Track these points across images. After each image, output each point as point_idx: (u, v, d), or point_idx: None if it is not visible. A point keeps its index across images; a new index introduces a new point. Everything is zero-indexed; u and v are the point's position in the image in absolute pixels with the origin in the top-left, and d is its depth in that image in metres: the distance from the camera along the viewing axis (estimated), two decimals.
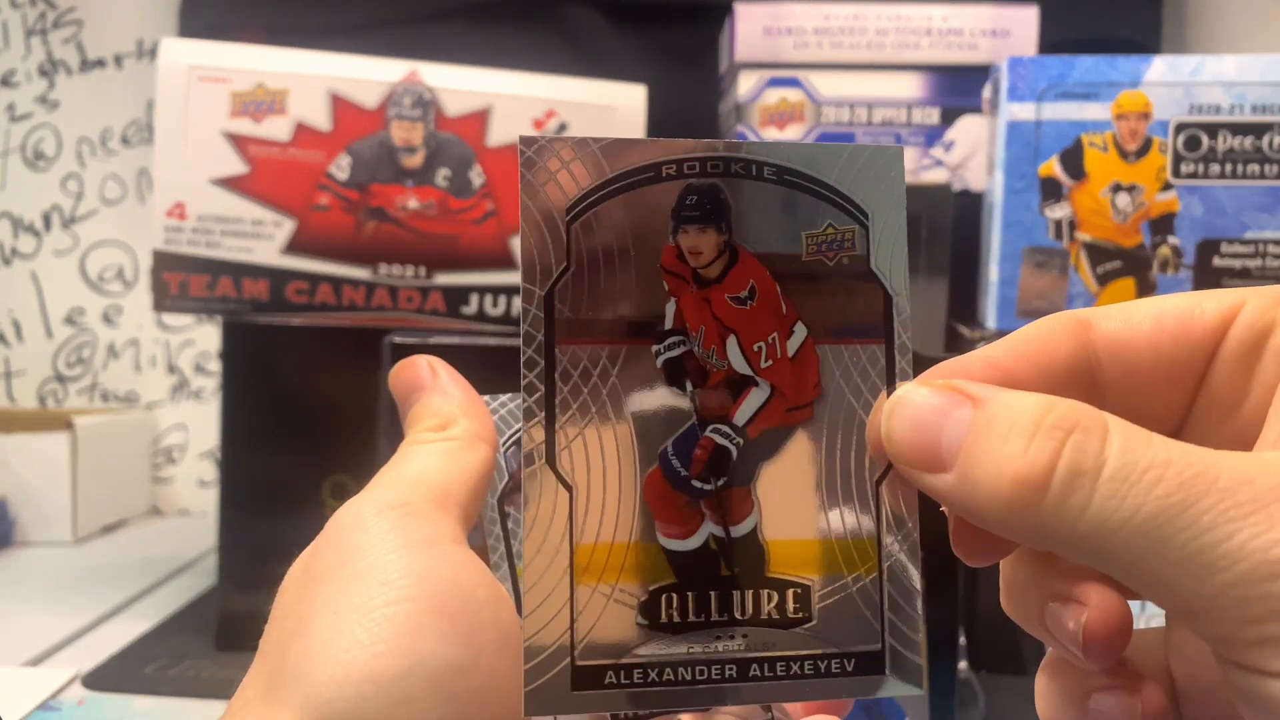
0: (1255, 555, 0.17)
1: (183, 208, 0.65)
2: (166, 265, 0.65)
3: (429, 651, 0.24)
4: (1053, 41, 0.77)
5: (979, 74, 0.69)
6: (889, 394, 0.23)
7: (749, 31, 0.77)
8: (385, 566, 0.25)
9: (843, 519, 0.24)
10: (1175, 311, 0.23)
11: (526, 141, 0.24)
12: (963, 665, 0.57)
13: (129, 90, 1.04)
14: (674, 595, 0.23)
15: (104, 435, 0.94)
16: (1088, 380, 0.23)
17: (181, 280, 0.65)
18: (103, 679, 0.58)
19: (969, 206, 0.67)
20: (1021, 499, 0.19)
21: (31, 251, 1.04)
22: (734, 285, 0.24)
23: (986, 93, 0.66)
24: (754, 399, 0.24)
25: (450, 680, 0.24)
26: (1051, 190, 0.61)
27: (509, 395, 0.31)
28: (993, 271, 0.62)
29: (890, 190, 0.24)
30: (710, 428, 0.24)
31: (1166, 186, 0.61)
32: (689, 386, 0.24)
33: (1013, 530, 0.20)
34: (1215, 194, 0.61)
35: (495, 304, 0.68)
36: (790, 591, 0.23)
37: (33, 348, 1.04)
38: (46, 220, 1.04)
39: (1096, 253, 0.61)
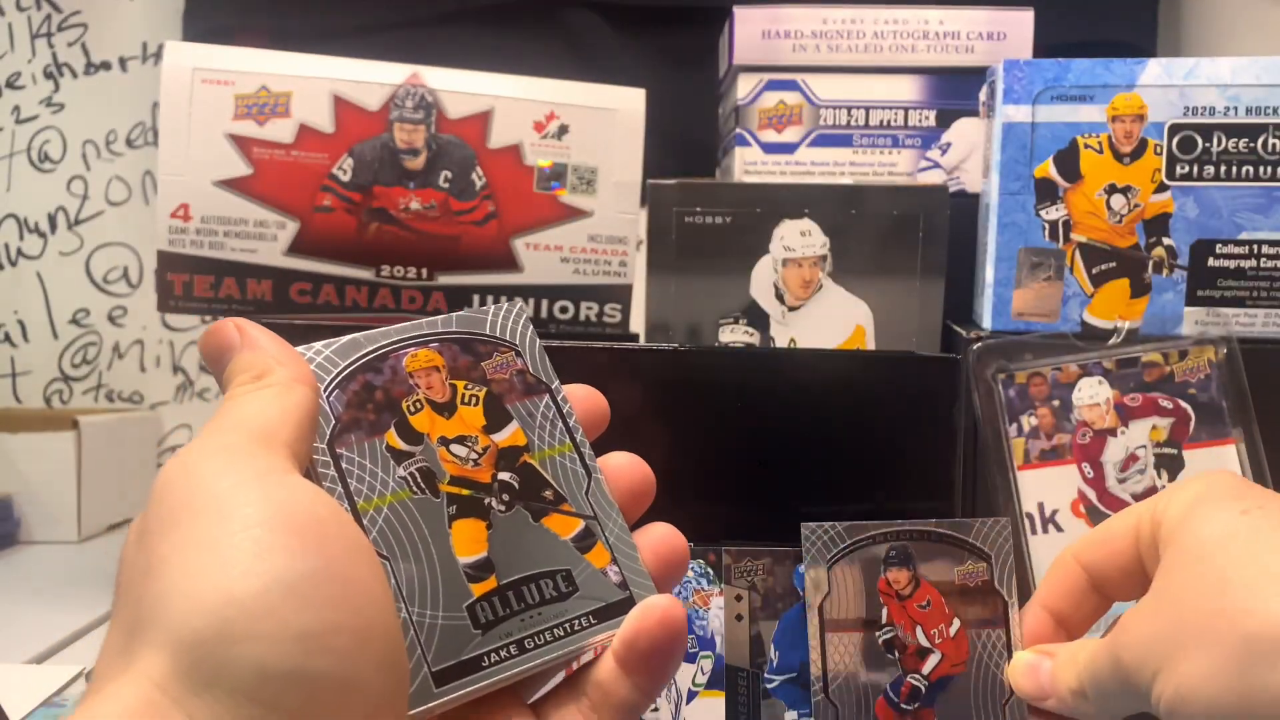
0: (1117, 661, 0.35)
1: (187, 209, 0.65)
2: (171, 266, 0.66)
3: (282, 566, 0.25)
4: (1048, 44, 0.77)
5: (975, 76, 0.70)
6: (1009, 658, 0.42)
7: (747, 34, 0.78)
8: (223, 501, 0.26)
9: None
10: (1112, 537, 0.38)
11: None
12: None
13: (134, 93, 1.04)
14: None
15: (109, 435, 0.94)
16: (1093, 585, 0.39)
17: (186, 281, 0.66)
18: None
19: (965, 208, 0.67)
20: (1078, 705, 0.38)
21: (37, 252, 1.05)
22: (919, 598, 0.44)
23: (982, 95, 0.67)
24: (932, 659, 0.44)
25: (307, 589, 0.25)
26: (1047, 192, 0.62)
27: (323, 343, 0.33)
28: (989, 272, 0.63)
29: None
30: (910, 675, 0.44)
31: (1161, 188, 0.61)
32: (895, 655, 0.44)
33: (1085, 714, 0.38)
34: (1210, 195, 0.61)
35: (496, 304, 0.68)
36: None
37: (38, 348, 1.05)
38: (52, 221, 1.05)
39: (1092, 254, 0.62)
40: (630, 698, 0.31)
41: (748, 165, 0.78)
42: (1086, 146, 0.61)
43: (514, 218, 0.68)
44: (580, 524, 0.33)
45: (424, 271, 0.67)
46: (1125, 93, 0.61)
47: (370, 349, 0.34)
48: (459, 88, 0.67)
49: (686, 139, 0.89)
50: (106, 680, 0.24)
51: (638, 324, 0.69)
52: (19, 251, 1.04)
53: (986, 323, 0.63)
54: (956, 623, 0.43)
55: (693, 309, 0.66)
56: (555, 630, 0.32)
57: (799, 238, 0.65)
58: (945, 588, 0.43)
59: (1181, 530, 0.34)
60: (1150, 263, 0.62)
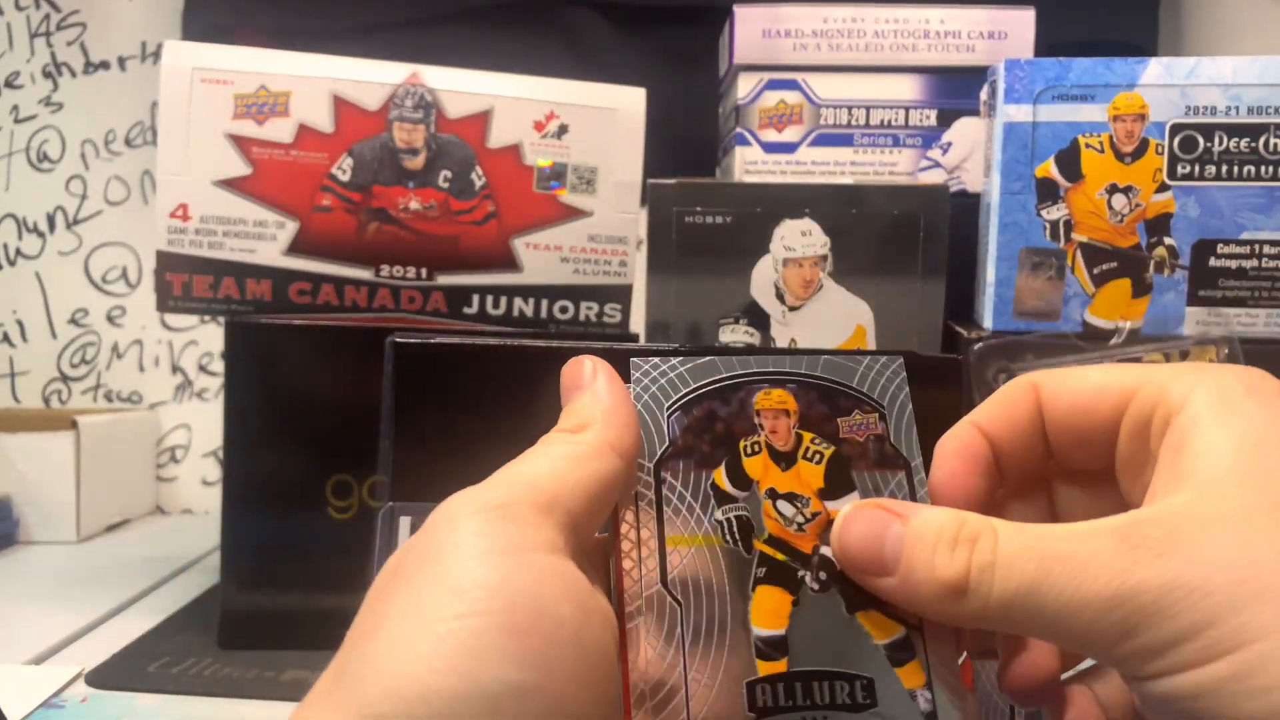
0: (1098, 597, 0.23)
1: (186, 209, 0.65)
2: (170, 266, 0.65)
3: (489, 672, 0.23)
4: (1049, 44, 0.77)
5: (976, 76, 0.70)
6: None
7: (748, 33, 0.78)
8: (461, 574, 0.24)
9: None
10: (1089, 389, 0.29)
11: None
12: None
13: (133, 92, 1.04)
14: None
15: (108, 435, 0.94)
16: (1041, 433, 0.30)
17: (185, 281, 0.66)
18: (106, 677, 0.59)
19: (966, 208, 0.67)
20: (951, 596, 0.26)
21: (36, 252, 1.04)
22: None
23: (983, 94, 0.67)
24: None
25: (510, 705, 0.23)
26: (1048, 191, 0.62)
27: (681, 359, 0.31)
28: (990, 272, 0.62)
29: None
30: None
31: (1163, 187, 0.61)
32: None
33: (946, 617, 0.26)
34: (1211, 195, 0.61)
35: (496, 305, 0.68)
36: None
37: (37, 348, 1.05)
38: (51, 221, 1.04)
39: (1093, 253, 0.62)
40: None
41: (748, 165, 0.78)
42: (1088, 146, 0.61)
43: (514, 217, 0.68)
44: (900, 631, 0.29)
45: (423, 271, 0.67)
46: (1126, 92, 0.61)
47: (725, 376, 0.31)
48: (458, 87, 0.67)
49: (686, 139, 0.89)
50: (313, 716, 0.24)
51: (638, 324, 0.69)
52: (17, 251, 1.04)
53: (987, 323, 0.63)
54: (962, 655, 0.44)
55: (693, 309, 0.66)
56: None
57: (799, 237, 0.65)
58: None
59: (1223, 441, 0.25)
60: (1151, 263, 0.62)
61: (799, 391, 0.31)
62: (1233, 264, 0.61)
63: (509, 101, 0.67)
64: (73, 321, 1.05)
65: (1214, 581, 0.23)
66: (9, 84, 1.04)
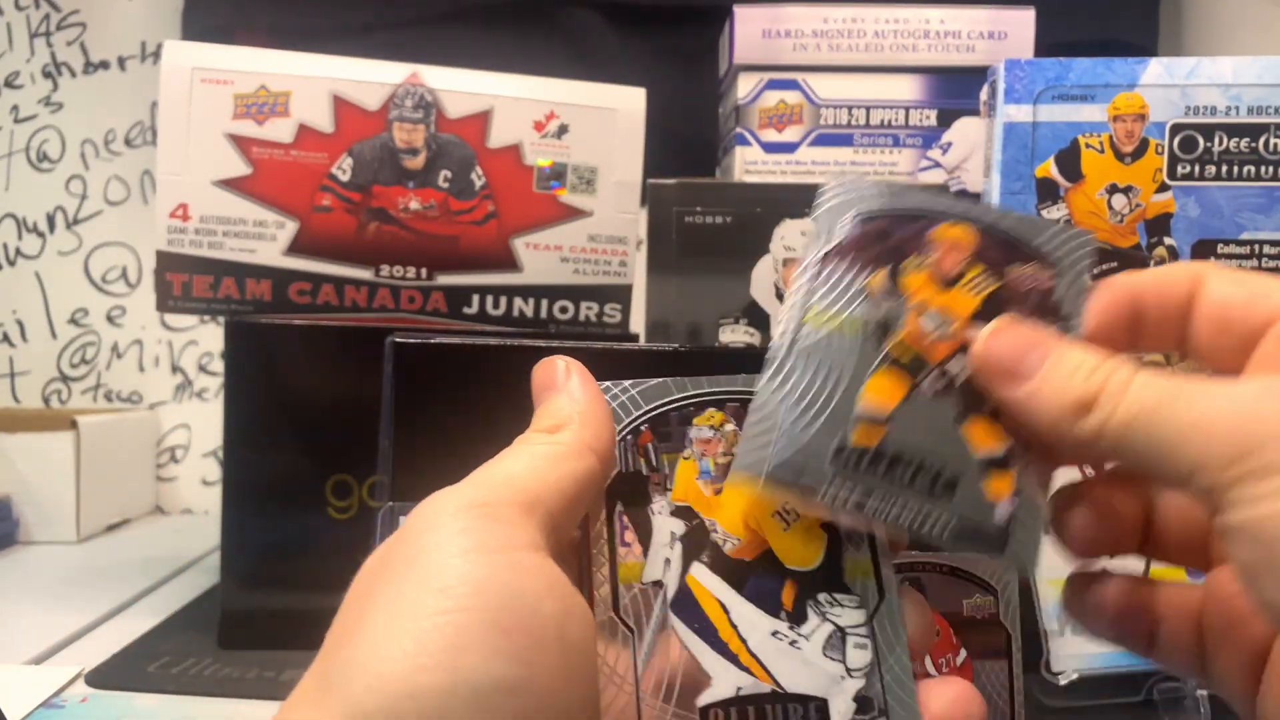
0: (1222, 421, 0.24)
1: (186, 209, 0.65)
2: (170, 266, 0.65)
3: (476, 668, 0.23)
4: (1049, 44, 0.77)
5: (976, 76, 0.70)
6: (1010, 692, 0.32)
7: (748, 34, 0.78)
8: (445, 571, 0.24)
9: None
10: (1244, 296, 0.29)
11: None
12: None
13: (132, 92, 1.04)
14: None
15: (108, 435, 0.94)
16: (1186, 318, 0.30)
17: (184, 281, 0.66)
18: (106, 677, 0.59)
19: None
20: (1076, 412, 0.27)
21: (36, 252, 1.04)
22: None
23: (983, 94, 0.67)
24: None
25: (496, 700, 0.23)
26: (1048, 191, 0.62)
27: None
28: None
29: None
30: None
31: (1163, 188, 0.61)
32: None
33: (1066, 435, 0.27)
34: (1211, 195, 0.61)
35: (496, 305, 0.68)
36: None
37: (37, 348, 1.05)
38: (50, 221, 1.04)
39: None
40: None
41: (748, 165, 0.78)
42: (1088, 146, 0.61)
43: (514, 217, 0.68)
44: (1002, 447, 0.29)
45: (423, 271, 0.67)
46: (1126, 92, 0.61)
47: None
48: (458, 87, 0.67)
49: (686, 139, 0.89)
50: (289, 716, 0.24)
51: (638, 324, 0.69)
52: (17, 251, 1.04)
53: None
54: (963, 653, 0.44)
55: (693, 309, 0.66)
56: (907, 516, 0.29)
57: (800, 237, 0.65)
58: (954, 619, 0.43)
59: None
60: (1152, 263, 0.62)
61: (983, 233, 0.31)
62: (1233, 264, 0.61)
63: (509, 101, 0.67)
64: (73, 321, 1.05)
65: None
66: (9, 84, 1.04)
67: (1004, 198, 0.62)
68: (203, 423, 1.05)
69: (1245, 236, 0.61)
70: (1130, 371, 0.27)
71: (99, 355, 1.05)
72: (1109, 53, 0.62)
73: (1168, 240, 0.61)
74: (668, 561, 0.30)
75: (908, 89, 0.78)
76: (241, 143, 0.65)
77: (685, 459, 0.31)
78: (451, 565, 0.24)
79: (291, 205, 0.66)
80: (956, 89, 0.77)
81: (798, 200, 0.65)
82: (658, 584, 0.29)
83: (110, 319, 1.05)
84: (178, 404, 1.05)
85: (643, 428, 0.31)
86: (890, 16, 0.77)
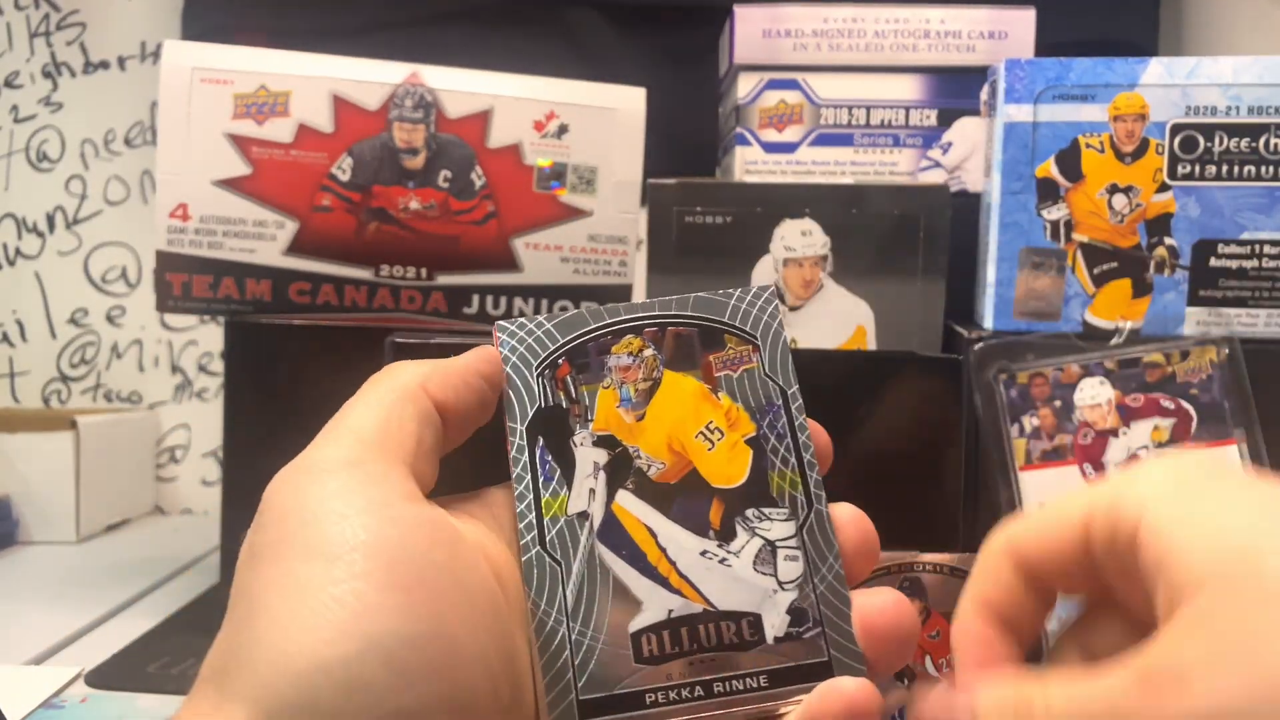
0: None
1: (185, 209, 0.65)
2: (169, 266, 0.65)
3: (381, 630, 0.23)
4: (1050, 43, 0.77)
5: (977, 76, 0.70)
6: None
7: (748, 33, 0.78)
8: (329, 540, 0.24)
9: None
10: (1053, 531, 0.27)
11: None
12: None
13: (132, 92, 1.04)
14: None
15: (107, 435, 0.94)
16: (1035, 585, 0.28)
17: (184, 281, 0.66)
18: (106, 677, 0.59)
19: (966, 208, 0.67)
20: None
21: (35, 252, 1.04)
22: (930, 628, 0.37)
23: (984, 94, 0.67)
24: None
25: (407, 657, 0.23)
26: (1048, 191, 0.62)
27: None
28: (990, 272, 0.62)
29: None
30: None
31: (1163, 187, 0.61)
32: (904, 683, 0.37)
33: None
34: (1211, 195, 0.61)
35: (496, 305, 0.68)
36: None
37: (37, 348, 1.05)
38: (50, 221, 1.04)
39: (1093, 253, 0.62)
40: None
41: (748, 165, 0.78)
42: (1088, 146, 0.61)
43: (514, 217, 0.67)
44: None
45: (423, 271, 0.67)
46: (1127, 92, 0.61)
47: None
48: (458, 87, 0.67)
49: (686, 139, 0.89)
50: (196, 715, 0.23)
51: None
52: (17, 251, 1.04)
53: (988, 323, 0.63)
54: None
55: None
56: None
57: (800, 237, 0.65)
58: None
59: (1195, 547, 0.24)
60: (1152, 263, 0.62)
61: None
62: (1233, 264, 0.61)
63: (509, 101, 0.67)
64: (72, 321, 1.05)
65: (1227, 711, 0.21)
66: (8, 84, 1.04)
67: (1004, 197, 0.62)
68: (202, 423, 1.05)
69: (1246, 236, 0.61)
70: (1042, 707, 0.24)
71: (99, 355, 1.05)
72: (1109, 52, 0.62)
73: (1168, 240, 0.61)
74: (592, 492, 0.30)
75: (908, 89, 0.78)
76: (241, 143, 0.65)
77: (605, 388, 0.31)
78: (334, 533, 0.24)
79: (291, 205, 0.66)
80: (957, 89, 0.77)
81: (798, 200, 0.65)
82: (583, 515, 0.29)
83: (110, 319, 1.05)
84: (177, 404, 1.05)
85: (560, 361, 0.31)
86: (890, 16, 0.77)
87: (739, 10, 0.78)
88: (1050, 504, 0.28)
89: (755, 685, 0.28)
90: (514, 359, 0.31)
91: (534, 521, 0.29)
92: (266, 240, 0.66)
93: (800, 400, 0.31)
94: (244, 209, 0.65)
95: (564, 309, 0.32)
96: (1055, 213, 0.62)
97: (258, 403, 0.64)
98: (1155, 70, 0.61)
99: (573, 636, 0.28)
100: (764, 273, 0.65)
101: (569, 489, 0.30)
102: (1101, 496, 0.26)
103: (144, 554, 0.86)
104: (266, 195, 0.65)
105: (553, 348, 0.31)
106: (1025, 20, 0.77)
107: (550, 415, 0.30)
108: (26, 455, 0.88)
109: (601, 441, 0.30)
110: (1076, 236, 0.62)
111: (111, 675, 0.59)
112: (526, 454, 0.30)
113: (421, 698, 0.22)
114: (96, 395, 1.05)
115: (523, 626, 0.28)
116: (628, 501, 0.30)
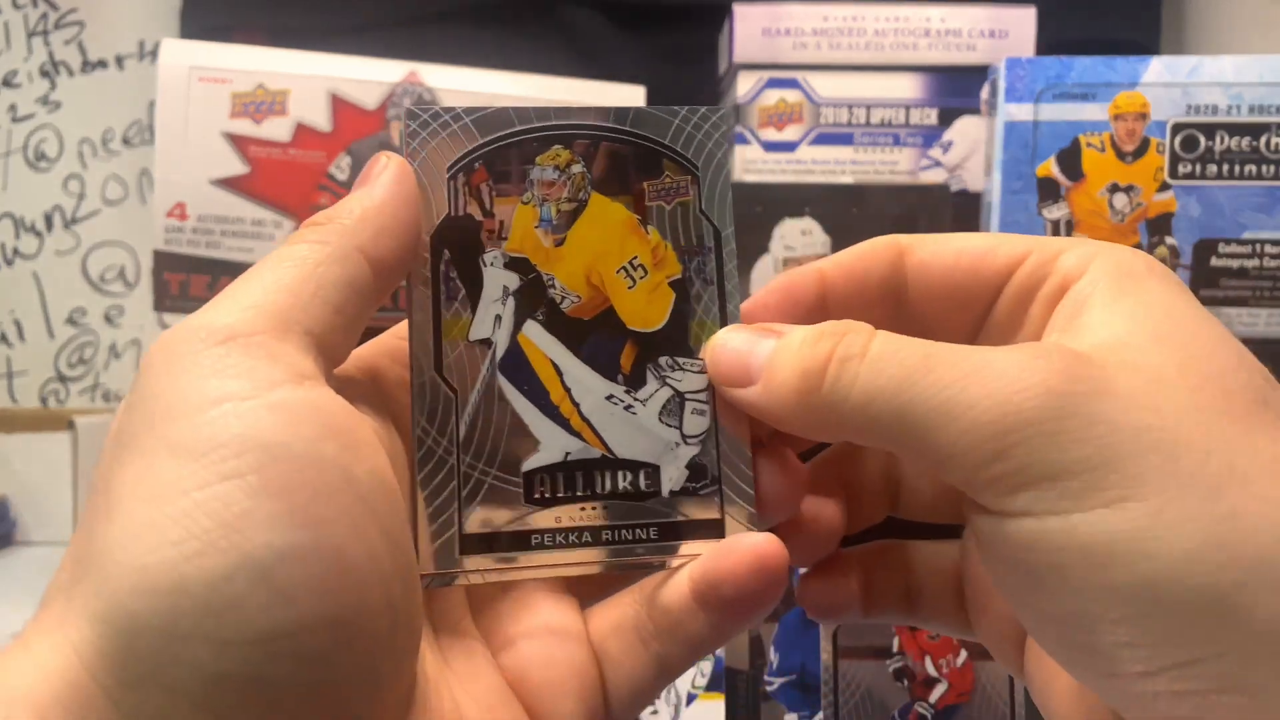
0: (980, 405, 0.21)
1: (183, 208, 0.65)
2: (167, 265, 0.65)
3: (253, 541, 0.19)
4: (1051, 42, 0.77)
5: (977, 75, 0.69)
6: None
7: (747, 32, 0.78)
8: (196, 433, 0.20)
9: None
10: (975, 250, 0.26)
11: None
12: None
13: (130, 91, 1.04)
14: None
15: (105, 435, 0.94)
16: (895, 297, 0.27)
17: (182, 280, 0.65)
18: None
19: (967, 207, 0.67)
20: (807, 386, 0.24)
21: (33, 252, 1.04)
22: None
23: (984, 93, 0.67)
24: (939, 689, 0.36)
25: (285, 572, 0.19)
26: (1049, 191, 0.62)
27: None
28: None
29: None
30: (917, 703, 0.36)
31: (1164, 187, 0.61)
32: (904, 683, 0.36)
33: (804, 419, 0.24)
34: (1212, 194, 0.61)
35: None
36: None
37: (34, 348, 1.04)
38: (48, 220, 1.04)
39: None
40: (702, 634, 0.26)
41: (748, 164, 0.78)
42: (1089, 145, 0.61)
43: None
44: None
45: None
46: (1128, 91, 0.61)
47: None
48: (457, 86, 0.67)
49: None
50: (41, 629, 0.20)
51: None
52: (15, 251, 1.04)
53: None
54: (964, 654, 0.44)
55: None
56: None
57: (800, 236, 0.65)
58: None
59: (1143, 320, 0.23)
60: None
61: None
62: (1234, 264, 0.61)
63: (508, 100, 0.67)
64: (70, 321, 1.04)
65: (1117, 422, 0.20)
66: (6, 83, 1.04)
67: (1005, 196, 0.62)
68: None
69: (1247, 236, 0.61)
70: (864, 336, 0.23)
71: (97, 355, 1.05)
72: (1110, 51, 0.62)
73: (1169, 240, 0.61)
74: (498, 318, 0.27)
75: (908, 88, 0.77)
76: (239, 142, 0.65)
77: (524, 204, 0.27)
78: (202, 424, 0.20)
79: (289, 204, 0.65)
80: (957, 88, 0.77)
81: (798, 199, 0.65)
82: (486, 342, 0.27)
83: (108, 319, 1.05)
84: None
85: (477, 165, 0.27)
86: (891, 15, 0.77)
87: (739, 9, 0.78)
88: (970, 234, 0.27)
89: (644, 536, 0.27)
90: (424, 154, 0.27)
91: (430, 344, 0.26)
92: (264, 240, 0.65)
93: (733, 245, 0.29)
94: (242, 208, 0.65)
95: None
96: (1056, 212, 0.62)
97: None
98: (1156, 69, 0.60)
99: (461, 469, 0.26)
100: (764, 272, 0.65)
101: (472, 312, 0.27)
102: (1047, 245, 0.26)
103: None
104: (264, 194, 0.65)
105: (470, 148, 0.27)
106: (1026, 19, 0.77)
107: (459, 226, 0.27)
108: (24, 455, 0.88)
109: (514, 264, 0.27)
110: (1077, 236, 0.62)
111: None
112: (429, 267, 0.26)
113: (301, 617, 0.19)
114: (95, 395, 1.05)
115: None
116: (535, 334, 0.27)
